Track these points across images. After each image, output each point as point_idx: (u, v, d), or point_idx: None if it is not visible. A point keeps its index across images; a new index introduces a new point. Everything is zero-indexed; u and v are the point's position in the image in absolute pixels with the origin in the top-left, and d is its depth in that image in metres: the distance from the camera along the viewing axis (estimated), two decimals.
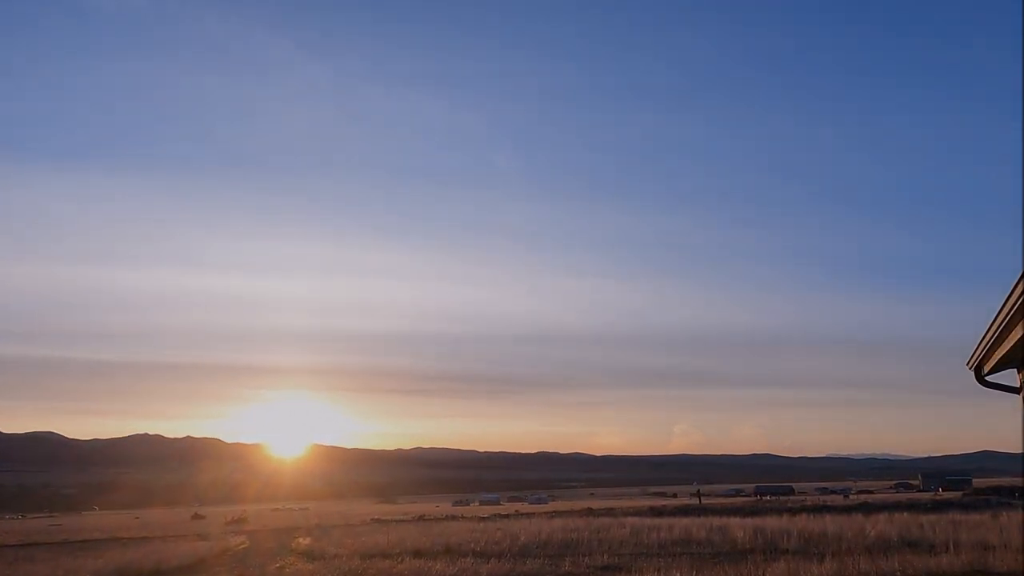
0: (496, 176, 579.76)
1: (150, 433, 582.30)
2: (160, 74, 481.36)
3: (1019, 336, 8.24)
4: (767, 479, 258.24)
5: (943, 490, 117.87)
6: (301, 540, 38.26)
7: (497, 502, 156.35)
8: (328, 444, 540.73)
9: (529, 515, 65.11)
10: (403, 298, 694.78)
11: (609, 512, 65.40)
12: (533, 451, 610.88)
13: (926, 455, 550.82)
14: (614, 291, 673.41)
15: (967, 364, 10.53)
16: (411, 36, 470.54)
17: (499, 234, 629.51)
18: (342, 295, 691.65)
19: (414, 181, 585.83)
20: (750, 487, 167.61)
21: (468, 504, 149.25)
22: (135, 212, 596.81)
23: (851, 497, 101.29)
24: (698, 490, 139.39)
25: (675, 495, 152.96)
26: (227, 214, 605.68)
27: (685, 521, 41.65)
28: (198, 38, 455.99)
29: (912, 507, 53.33)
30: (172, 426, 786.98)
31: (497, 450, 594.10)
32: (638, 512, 62.88)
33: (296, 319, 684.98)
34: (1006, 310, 8.09)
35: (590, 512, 67.04)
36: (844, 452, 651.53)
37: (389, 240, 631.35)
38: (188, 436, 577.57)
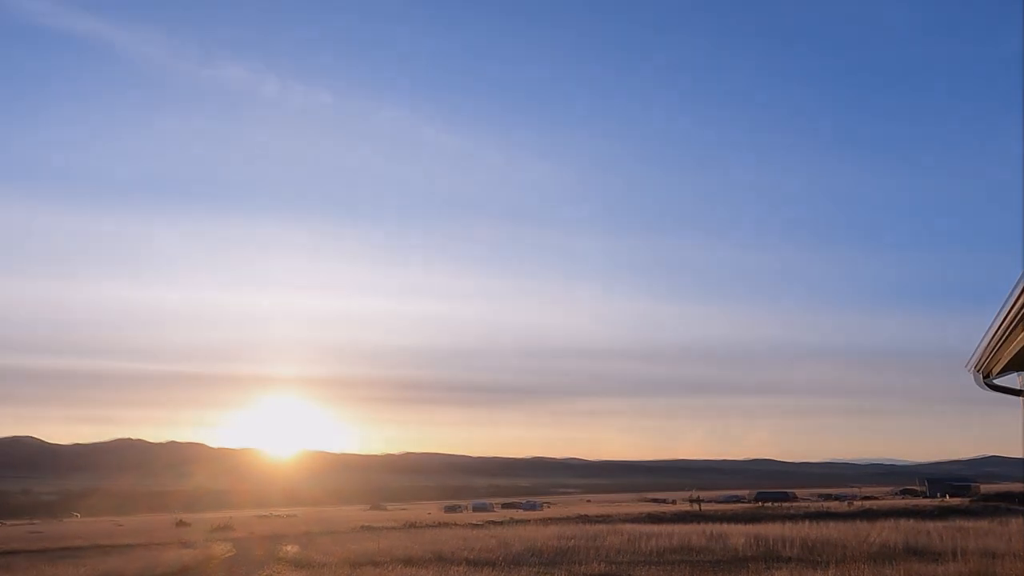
0: (533, 206, 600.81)
1: (132, 438, 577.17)
2: (278, 138, 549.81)
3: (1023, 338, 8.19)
4: (768, 484, 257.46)
5: (948, 496, 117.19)
6: (288, 548, 37.67)
7: (490, 508, 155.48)
8: (315, 449, 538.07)
9: (523, 522, 64.24)
10: (414, 313, 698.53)
11: (605, 519, 64.86)
12: (527, 456, 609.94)
13: (930, 461, 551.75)
14: (627, 307, 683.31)
15: (973, 367, 10.37)
16: (513, 109, 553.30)
17: (517, 259, 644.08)
18: (346, 309, 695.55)
19: (452, 212, 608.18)
20: (750, 493, 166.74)
21: (460, 511, 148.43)
22: (135, 231, 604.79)
23: (854, 503, 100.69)
24: (696, 496, 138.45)
25: (673, 501, 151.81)
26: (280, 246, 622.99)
27: (683, 528, 41.06)
28: (324, 110, 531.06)
29: (916, 513, 52.75)
30: (155, 431, 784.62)
31: (490, 455, 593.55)
32: (635, 519, 62.37)
33: (285, 330, 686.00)
34: (1013, 311, 7.87)
35: (585, 519, 66.39)
36: (847, 457, 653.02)
37: (412, 260, 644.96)
38: (172, 441, 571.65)
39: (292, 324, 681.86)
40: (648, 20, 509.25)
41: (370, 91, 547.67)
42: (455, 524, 66.76)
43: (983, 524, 38.32)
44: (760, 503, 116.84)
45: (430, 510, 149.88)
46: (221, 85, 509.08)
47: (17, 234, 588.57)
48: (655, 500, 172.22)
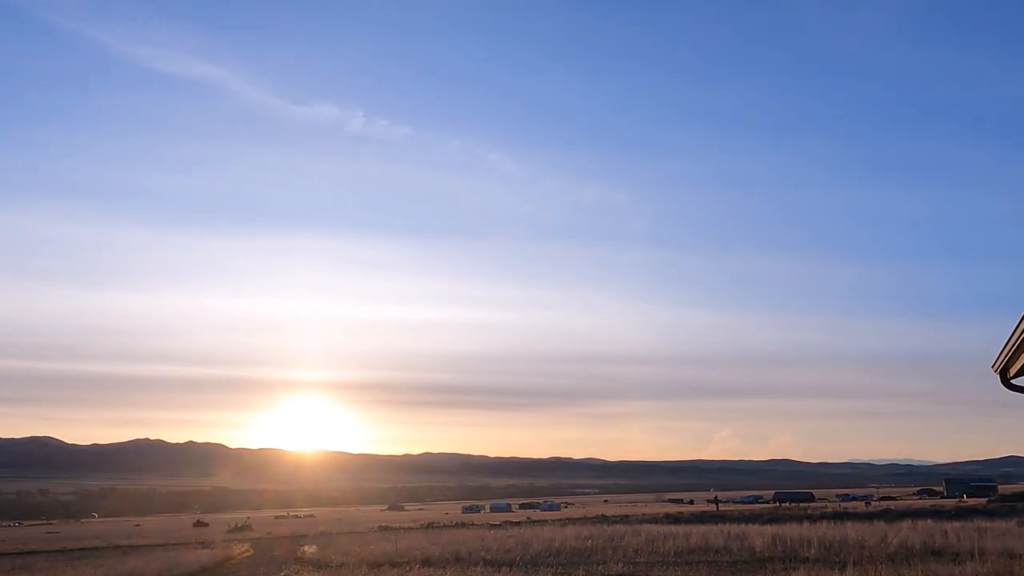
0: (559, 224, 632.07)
1: (151, 438, 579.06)
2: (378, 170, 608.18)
3: None
4: (789, 485, 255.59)
5: (967, 497, 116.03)
6: (306, 548, 37.65)
7: (508, 509, 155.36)
8: (334, 450, 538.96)
9: (541, 522, 64.15)
10: (435, 320, 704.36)
11: (624, 519, 64.62)
12: (545, 457, 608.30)
13: (950, 461, 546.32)
14: (650, 314, 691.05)
15: (992, 367, 10.42)
16: (571, 138, 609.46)
17: (544, 270, 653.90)
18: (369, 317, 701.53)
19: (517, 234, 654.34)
20: (769, 493, 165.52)
21: (478, 511, 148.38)
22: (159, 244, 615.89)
23: (873, 504, 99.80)
24: (715, 496, 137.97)
25: (691, 502, 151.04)
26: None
27: (702, 528, 40.72)
28: (402, 141, 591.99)
29: (935, 514, 52.07)
30: (174, 432, 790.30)
31: (509, 456, 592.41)
32: (654, 519, 62.09)
33: (310, 336, 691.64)
34: None
35: (604, 519, 66.18)
36: (867, 458, 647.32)
37: (438, 271, 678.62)
38: (190, 441, 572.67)
39: (317, 330, 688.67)
40: (693, 59, 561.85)
41: (444, 123, 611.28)
42: (474, 524, 66.82)
43: (1002, 524, 37.87)
44: (779, 503, 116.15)
45: (449, 510, 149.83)
46: (312, 120, 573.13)
47: (54, 247, 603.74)
48: (674, 500, 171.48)
